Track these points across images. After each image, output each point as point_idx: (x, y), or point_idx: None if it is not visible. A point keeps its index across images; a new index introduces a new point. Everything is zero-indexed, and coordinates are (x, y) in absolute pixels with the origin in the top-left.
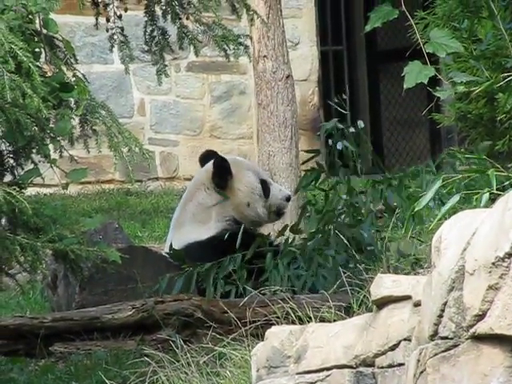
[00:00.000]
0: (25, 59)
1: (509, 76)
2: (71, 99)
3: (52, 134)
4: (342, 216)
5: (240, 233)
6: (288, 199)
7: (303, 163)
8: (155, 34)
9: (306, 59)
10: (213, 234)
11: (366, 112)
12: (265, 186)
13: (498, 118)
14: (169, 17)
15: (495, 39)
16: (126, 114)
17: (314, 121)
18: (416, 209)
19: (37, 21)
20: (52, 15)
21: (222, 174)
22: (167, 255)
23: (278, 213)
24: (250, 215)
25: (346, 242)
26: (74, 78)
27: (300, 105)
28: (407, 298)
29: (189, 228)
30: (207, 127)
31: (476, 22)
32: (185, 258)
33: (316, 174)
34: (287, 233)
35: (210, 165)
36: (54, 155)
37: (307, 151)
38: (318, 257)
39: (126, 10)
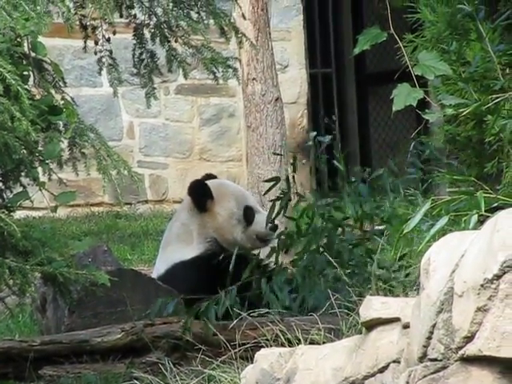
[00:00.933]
0: (13, 82)
1: (497, 98)
2: (60, 122)
3: (41, 157)
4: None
5: (234, 255)
6: (273, 228)
7: (264, 193)
8: (144, 56)
9: (295, 82)
10: (196, 254)
11: (355, 134)
12: (249, 212)
13: (487, 140)
14: (157, 40)
15: (484, 61)
16: (115, 137)
17: (303, 143)
18: (405, 231)
19: (25, 44)
20: (41, 38)
21: (198, 196)
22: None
23: (263, 240)
24: (229, 239)
25: (333, 263)
26: (63, 101)
27: (289, 127)
28: (396, 320)
29: (174, 247)
30: (196, 150)
31: (464, 44)
32: (170, 279)
33: (284, 202)
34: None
35: None
36: (42, 178)
37: (266, 180)
38: (309, 278)
39: (114, 32)
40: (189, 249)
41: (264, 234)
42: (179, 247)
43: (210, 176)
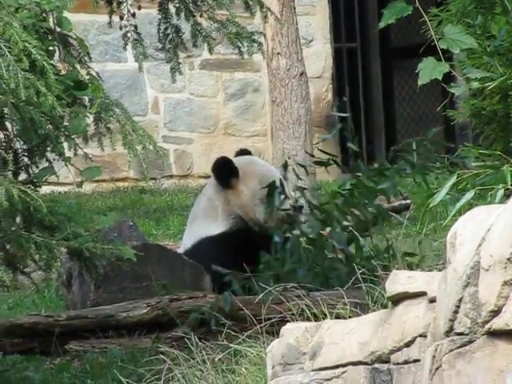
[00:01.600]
0: (39, 57)
1: None
2: (85, 97)
3: (66, 133)
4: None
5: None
6: (297, 209)
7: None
8: (169, 31)
9: (319, 56)
10: (222, 231)
11: (381, 109)
12: (273, 192)
13: None
14: (182, 14)
15: (509, 35)
16: (140, 112)
17: (328, 118)
18: (431, 205)
19: (50, 19)
20: (65, 13)
21: (221, 174)
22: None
23: (286, 221)
24: (252, 218)
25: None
26: (88, 76)
27: (314, 102)
28: (422, 294)
29: (200, 222)
30: (221, 125)
31: (489, 18)
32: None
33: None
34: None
35: None
36: (68, 153)
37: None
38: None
39: (139, 7)
40: (215, 225)
41: (288, 214)
42: (205, 223)
43: (244, 151)
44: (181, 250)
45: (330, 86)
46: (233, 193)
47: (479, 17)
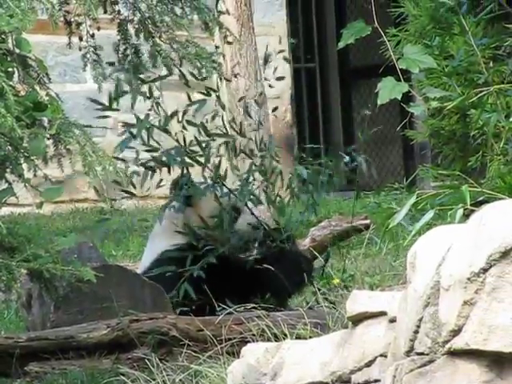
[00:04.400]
0: None
1: (481, 92)
2: (45, 118)
3: (26, 154)
4: None
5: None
6: (255, 228)
7: None
8: (128, 52)
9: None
10: (180, 243)
11: (340, 129)
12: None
13: (471, 134)
14: (142, 35)
15: (467, 55)
16: (100, 133)
17: (288, 138)
18: (391, 225)
19: (9, 40)
20: (24, 34)
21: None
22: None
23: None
24: (212, 235)
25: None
26: (48, 98)
27: (273, 122)
28: (383, 313)
29: (160, 239)
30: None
31: (448, 38)
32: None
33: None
34: None
35: None
36: (27, 174)
37: None
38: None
39: (98, 28)
40: (173, 240)
41: (246, 233)
42: (164, 238)
43: None
44: (140, 270)
45: (289, 106)
46: (193, 211)
47: (437, 38)
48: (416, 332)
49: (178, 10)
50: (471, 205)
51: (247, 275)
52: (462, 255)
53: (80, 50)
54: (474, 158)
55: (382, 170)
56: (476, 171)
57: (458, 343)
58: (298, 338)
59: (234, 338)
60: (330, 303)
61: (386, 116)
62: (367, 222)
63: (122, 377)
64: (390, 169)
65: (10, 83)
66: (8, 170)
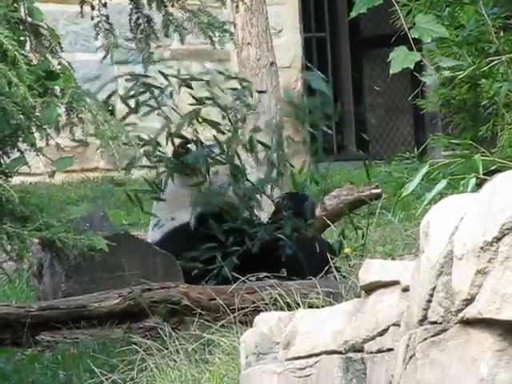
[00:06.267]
0: (10, 47)
1: (492, 61)
2: (57, 87)
3: (38, 123)
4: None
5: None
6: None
7: None
8: (140, 21)
9: (289, 46)
10: (189, 219)
11: (350, 98)
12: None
13: (482, 104)
14: (154, 4)
15: (478, 25)
16: (110, 102)
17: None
18: (403, 194)
19: (22, 9)
20: (36, 3)
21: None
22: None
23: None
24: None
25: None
26: (60, 66)
27: (284, 91)
28: (396, 283)
29: (168, 211)
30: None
31: (458, 7)
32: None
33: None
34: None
35: None
36: (39, 143)
37: None
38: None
39: None
40: (182, 212)
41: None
42: (172, 210)
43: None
44: (149, 239)
45: (300, 75)
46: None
47: (447, 8)
48: (429, 301)
49: None
50: (483, 174)
51: (269, 256)
52: (475, 224)
53: (92, 19)
54: (485, 128)
55: (392, 139)
56: (487, 140)
57: (470, 312)
58: (311, 307)
59: (247, 307)
60: (342, 272)
61: (397, 86)
62: (378, 191)
63: (134, 346)
64: (401, 138)
65: (23, 52)
66: (20, 138)
